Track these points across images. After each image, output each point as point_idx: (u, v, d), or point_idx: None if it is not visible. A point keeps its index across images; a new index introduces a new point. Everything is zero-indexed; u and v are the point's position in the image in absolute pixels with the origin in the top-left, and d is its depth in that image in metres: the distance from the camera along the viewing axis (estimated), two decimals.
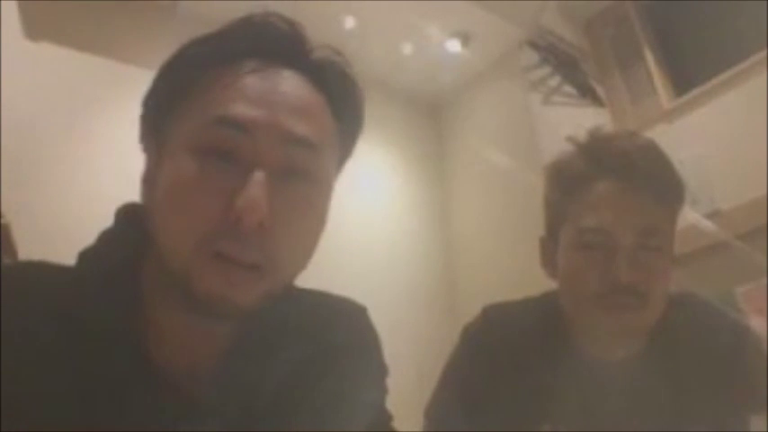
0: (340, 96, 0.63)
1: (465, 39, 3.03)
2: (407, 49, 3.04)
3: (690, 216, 2.46)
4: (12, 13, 2.20)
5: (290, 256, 0.56)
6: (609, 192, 0.90)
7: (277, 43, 0.59)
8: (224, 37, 0.59)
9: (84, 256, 0.60)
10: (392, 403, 0.66)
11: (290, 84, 0.59)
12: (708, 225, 2.49)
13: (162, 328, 0.56)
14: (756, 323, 2.27)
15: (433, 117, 3.47)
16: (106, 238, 0.62)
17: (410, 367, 2.49)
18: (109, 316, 0.55)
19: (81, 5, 2.35)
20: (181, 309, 0.55)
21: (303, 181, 0.57)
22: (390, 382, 0.69)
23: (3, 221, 1.63)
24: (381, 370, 0.71)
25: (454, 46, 3.03)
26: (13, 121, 1.99)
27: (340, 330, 0.66)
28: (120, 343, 0.54)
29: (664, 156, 0.94)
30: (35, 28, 2.24)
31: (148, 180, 0.59)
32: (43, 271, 0.60)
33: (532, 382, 0.94)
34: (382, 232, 2.98)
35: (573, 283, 0.92)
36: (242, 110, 0.55)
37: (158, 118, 0.60)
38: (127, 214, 0.62)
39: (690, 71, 3.06)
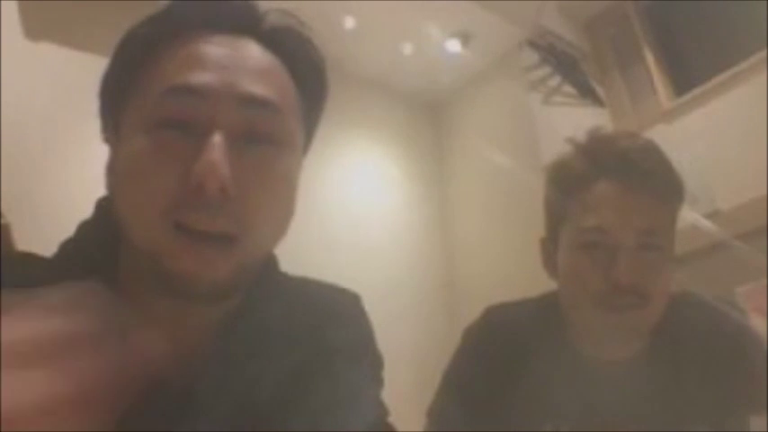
0: (298, 59, 0.60)
1: (465, 39, 3.03)
2: (407, 49, 3.04)
3: (690, 216, 2.46)
4: (12, 13, 2.19)
5: (262, 222, 0.53)
6: (609, 192, 0.90)
7: (226, 16, 0.57)
8: (171, 14, 0.57)
9: (64, 247, 0.59)
10: (392, 403, 0.66)
11: (245, 49, 0.56)
12: (708, 225, 2.49)
13: (144, 317, 0.54)
14: (756, 323, 2.27)
15: (433, 117, 3.47)
16: (84, 228, 0.60)
17: (410, 367, 2.49)
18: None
19: (81, 5, 2.35)
20: (156, 294, 0.53)
21: (267, 144, 0.54)
22: (390, 382, 0.69)
23: (3, 221, 1.63)
24: (377, 362, 0.68)
25: (454, 46, 3.03)
26: (13, 122, 1.99)
27: (337, 331, 0.64)
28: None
29: (663, 156, 0.94)
30: (35, 28, 2.24)
31: (110, 169, 0.57)
32: (27, 264, 0.58)
33: (533, 382, 0.94)
34: (382, 231, 2.98)
35: (573, 284, 0.92)
36: (195, 76, 0.52)
37: (114, 105, 0.57)
38: (106, 204, 0.59)
39: (690, 71, 3.06)
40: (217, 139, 0.50)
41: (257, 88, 0.54)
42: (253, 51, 0.56)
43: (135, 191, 0.52)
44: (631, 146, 0.93)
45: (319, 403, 0.58)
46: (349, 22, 2.84)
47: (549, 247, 0.98)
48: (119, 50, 0.58)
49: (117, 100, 0.57)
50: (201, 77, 0.52)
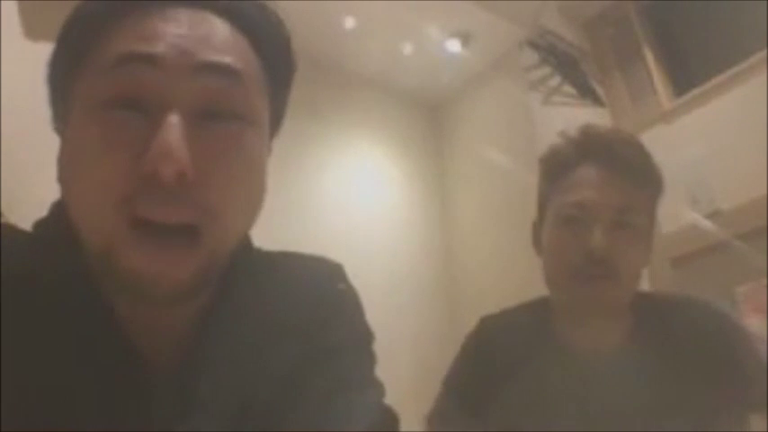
0: (261, 33, 0.54)
1: (465, 39, 3.02)
2: (407, 49, 3.04)
3: (690, 216, 2.47)
4: (12, 13, 2.19)
5: (228, 209, 0.48)
6: (590, 173, 0.99)
7: None
8: None
9: (38, 227, 0.56)
10: (392, 399, 0.66)
11: (204, 21, 0.51)
12: (708, 225, 2.49)
13: (118, 309, 0.51)
14: (756, 323, 2.27)
15: (432, 117, 3.47)
16: (55, 210, 0.56)
17: (409, 366, 2.49)
18: (58, 288, 0.50)
19: None
20: (118, 294, 0.49)
21: (229, 120, 0.49)
22: (390, 378, 0.68)
23: (3, 221, 1.63)
24: (368, 337, 0.65)
25: (454, 46, 3.03)
26: (12, 121, 1.99)
27: (329, 314, 0.61)
28: (73, 320, 0.50)
29: (644, 149, 1.03)
30: (35, 28, 2.24)
31: (61, 160, 0.53)
32: (9, 239, 0.55)
33: (527, 381, 0.99)
34: (381, 231, 2.98)
35: (554, 257, 1.00)
36: (149, 45, 0.47)
37: (63, 90, 0.52)
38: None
39: (690, 71, 3.06)
40: (172, 118, 0.45)
41: (217, 55, 0.49)
42: (212, 23, 0.51)
43: (84, 183, 0.47)
44: (614, 137, 1.03)
45: (322, 390, 0.57)
46: (349, 22, 2.83)
47: (538, 226, 1.06)
48: (65, 30, 0.53)
49: (65, 84, 0.52)
50: (152, 46, 0.47)
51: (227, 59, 0.49)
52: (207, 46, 0.49)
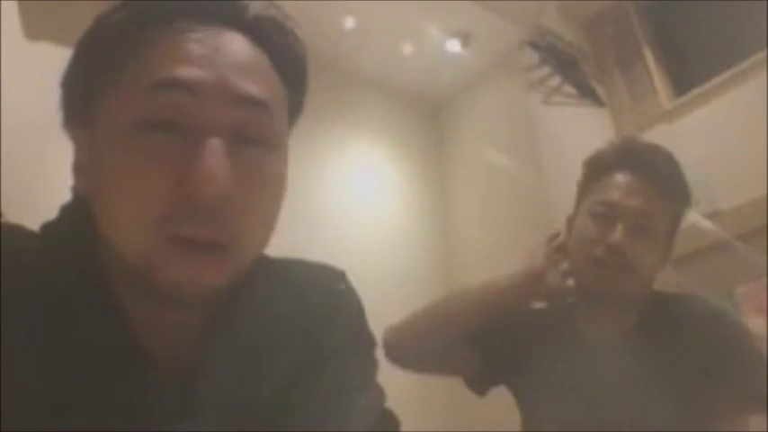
0: (282, 52, 0.56)
1: (465, 39, 3.02)
2: (407, 49, 3.04)
3: (690, 216, 2.46)
4: (12, 13, 2.19)
5: (254, 229, 0.51)
6: (622, 178, 1.11)
7: (208, 5, 0.53)
8: (148, 2, 0.53)
9: (46, 230, 0.57)
10: (391, 404, 0.66)
11: (233, 43, 0.52)
12: (708, 225, 2.49)
13: (129, 310, 0.52)
14: (756, 323, 2.27)
15: (433, 117, 3.47)
16: (65, 213, 0.57)
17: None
18: (72, 293, 0.51)
19: (81, 5, 2.35)
20: (143, 298, 0.51)
21: (258, 147, 0.51)
22: (390, 380, 0.68)
23: (3, 221, 1.63)
24: (370, 343, 0.67)
25: (454, 46, 3.03)
26: (13, 121, 1.99)
27: (333, 319, 0.63)
28: (85, 321, 0.50)
29: (677, 164, 1.13)
30: (35, 28, 2.24)
31: (80, 168, 0.54)
32: (18, 240, 0.55)
33: (544, 363, 1.13)
34: (382, 231, 2.98)
35: (579, 246, 1.12)
36: (186, 70, 0.49)
37: (84, 97, 0.54)
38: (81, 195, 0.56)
39: (690, 71, 3.06)
40: (214, 142, 0.48)
41: (249, 86, 0.51)
42: (238, 45, 0.53)
43: (124, 202, 0.49)
44: (650, 150, 1.15)
45: (323, 391, 0.58)
46: (349, 22, 2.83)
47: (572, 220, 1.18)
48: (89, 38, 0.54)
49: (88, 91, 0.53)
50: (190, 72, 0.49)
51: (257, 90, 0.52)
52: (239, 73, 0.51)
